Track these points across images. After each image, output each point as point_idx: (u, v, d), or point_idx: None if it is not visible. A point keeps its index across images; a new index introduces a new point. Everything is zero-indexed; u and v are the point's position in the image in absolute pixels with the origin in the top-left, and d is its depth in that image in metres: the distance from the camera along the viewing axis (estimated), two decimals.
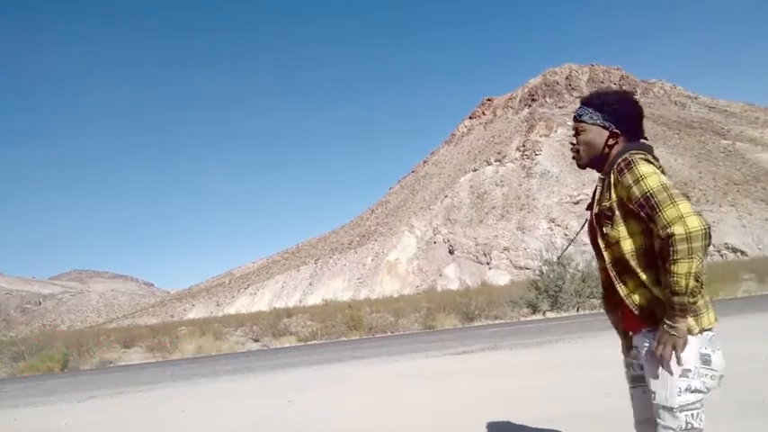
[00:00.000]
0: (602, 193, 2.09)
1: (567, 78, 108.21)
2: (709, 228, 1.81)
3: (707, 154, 78.29)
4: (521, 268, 62.50)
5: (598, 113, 2.13)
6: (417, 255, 75.77)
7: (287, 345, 19.01)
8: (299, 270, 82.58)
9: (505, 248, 68.52)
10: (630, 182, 1.92)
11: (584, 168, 2.24)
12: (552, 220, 72.00)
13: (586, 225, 2.28)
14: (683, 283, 1.83)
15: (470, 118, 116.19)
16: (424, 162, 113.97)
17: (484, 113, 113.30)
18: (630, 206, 1.96)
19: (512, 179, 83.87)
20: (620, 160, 2.01)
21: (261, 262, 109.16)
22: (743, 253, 53.58)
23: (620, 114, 2.12)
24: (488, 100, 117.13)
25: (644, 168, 1.91)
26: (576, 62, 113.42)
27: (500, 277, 59.53)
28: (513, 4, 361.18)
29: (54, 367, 17.28)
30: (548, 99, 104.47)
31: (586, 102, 2.19)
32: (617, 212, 2.01)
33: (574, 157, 2.25)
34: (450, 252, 72.25)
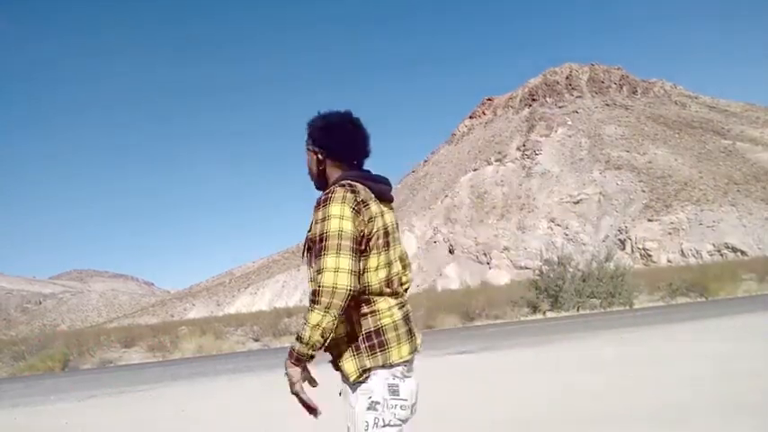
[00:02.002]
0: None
1: (567, 78, 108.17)
2: (352, 290, 1.77)
3: (707, 154, 78.28)
4: (521, 268, 62.48)
5: (309, 138, 2.08)
6: (418, 254, 75.77)
7: (287, 344, 19.03)
8: (299, 269, 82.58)
9: (505, 248, 68.52)
10: (318, 218, 1.86)
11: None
12: (552, 220, 72.00)
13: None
14: (307, 333, 1.78)
15: (471, 117, 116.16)
16: (425, 162, 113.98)
17: (484, 113, 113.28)
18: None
19: (512, 179, 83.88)
20: (327, 191, 1.92)
21: (261, 261, 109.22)
22: (743, 253, 53.54)
23: (322, 139, 2.04)
24: (489, 99, 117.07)
25: (334, 209, 1.83)
26: (577, 62, 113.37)
27: (500, 277, 59.52)
28: (514, 3, 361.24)
29: (54, 367, 17.30)
30: (548, 99, 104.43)
31: (307, 126, 2.14)
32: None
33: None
34: (451, 252, 72.26)
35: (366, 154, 2.09)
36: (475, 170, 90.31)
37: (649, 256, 60.37)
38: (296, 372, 1.86)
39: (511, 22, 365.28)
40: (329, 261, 1.78)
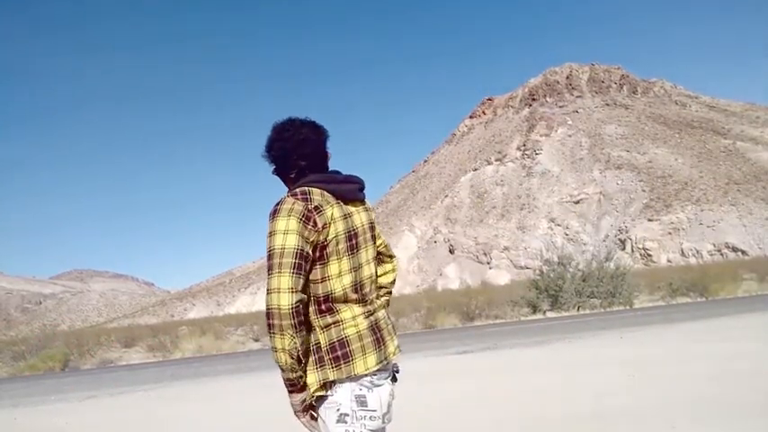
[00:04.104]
0: None
1: (567, 78, 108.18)
2: (294, 308, 1.75)
3: (707, 153, 78.27)
4: (521, 268, 62.51)
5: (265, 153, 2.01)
6: (418, 254, 75.78)
7: None
8: None
9: (506, 248, 68.52)
10: (267, 232, 1.84)
11: None
12: (552, 220, 72.01)
13: None
14: (282, 358, 1.79)
15: (471, 117, 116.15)
16: (425, 161, 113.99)
17: (484, 113, 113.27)
18: None
19: (512, 179, 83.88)
20: (278, 201, 1.89)
21: (261, 261, 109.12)
22: (743, 252, 53.53)
23: (268, 154, 1.99)
24: (489, 99, 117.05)
25: (279, 224, 1.81)
26: (577, 61, 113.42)
27: (500, 277, 59.52)
28: (514, 3, 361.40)
29: (54, 367, 17.31)
30: (548, 98, 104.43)
31: None
32: None
33: None
34: (451, 251, 72.27)
35: (316, 155, 1.98)
36: (475, 170, 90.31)
37: (649, 255, 60.37)
38: (296, 399, 1.87)
39: (511, 21, 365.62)
40: (273, 282, 1.77)
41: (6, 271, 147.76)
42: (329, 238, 1.84)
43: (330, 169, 2.03)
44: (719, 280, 21.96)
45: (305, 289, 1.82)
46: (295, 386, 1.85)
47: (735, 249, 55.22)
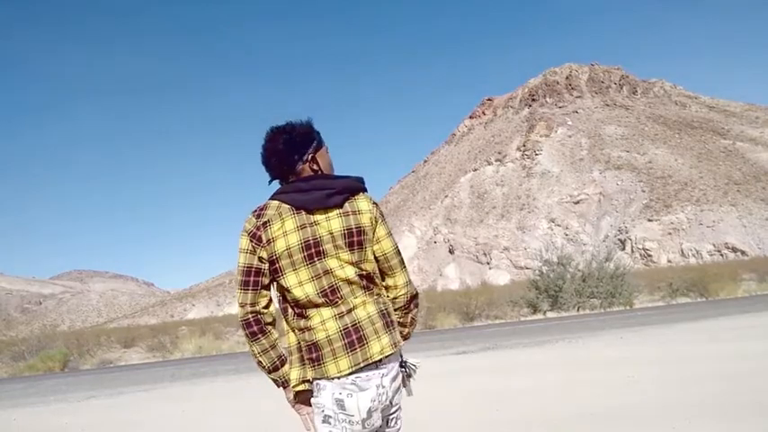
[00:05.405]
0: None
1: (567, 78, 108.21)
2: (244, 320, 1.93)
3: (707, 153, 78.31)
4: (521, 268, 62.51)
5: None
6: (418, 254, 75.79)
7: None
8: None
9: (506, 248, 68.54)
10: None
11: None
12: (552, 220, 72.03)
13: None
14: (254, 361, 1.99)
15: (471, 118, 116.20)
16: (425, 162, 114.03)
17: (484, 113, 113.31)
18: None
19: (512, 179, 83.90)
20: None
21: None
22: (743, 253, 53.55)
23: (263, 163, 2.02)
24: (489, 100, 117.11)
25: (239, 241, 1.93)
26: (577, 62, 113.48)
27: (500, 277, 59.54)
28: (514, 3, 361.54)
29: (54, 367, 17.33)
30: (548, 99, 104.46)
31: None
32: None
33: None
34: (451, 252, 72.29)
35: (282, 164, 1.95)
36: (475, 170, 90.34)
37: (649, 256, 60.39)
38: (286, 395, 2.03)
39: (511, 21, 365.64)
40: (237, 296, 1.97)
41: (6, 271, 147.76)
42: (278, 251, 1.88)
43: (324, 173, 1.99)
44: (719, 280, 21.99)
45: (261, 299, 1.94)
46: (277, 384, 2.01)
47: (734, 250, 55.25)
